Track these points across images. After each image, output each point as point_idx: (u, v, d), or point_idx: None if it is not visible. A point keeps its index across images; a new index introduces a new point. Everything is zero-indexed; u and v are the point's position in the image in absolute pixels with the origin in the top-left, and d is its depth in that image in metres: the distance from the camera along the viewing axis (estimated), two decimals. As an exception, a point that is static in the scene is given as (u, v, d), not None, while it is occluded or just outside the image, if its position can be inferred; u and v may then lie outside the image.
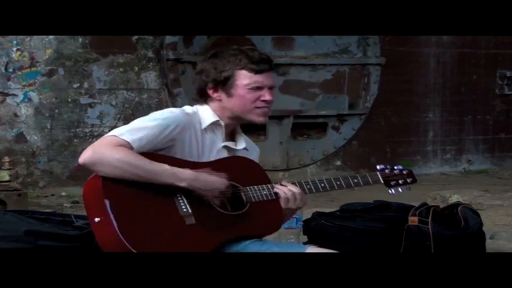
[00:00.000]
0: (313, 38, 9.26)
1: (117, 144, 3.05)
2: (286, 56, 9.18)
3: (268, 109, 3.33)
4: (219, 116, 3.30)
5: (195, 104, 3.36)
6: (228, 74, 3.27)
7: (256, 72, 3.27)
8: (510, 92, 10.50)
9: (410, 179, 3.57)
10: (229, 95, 3.28)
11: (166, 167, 3.07)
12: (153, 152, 3.12)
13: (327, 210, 4.60)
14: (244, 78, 3.27)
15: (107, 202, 2.98)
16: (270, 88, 3.31)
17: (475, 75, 10.28)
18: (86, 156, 3.04)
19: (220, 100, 3.30)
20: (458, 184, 8.96)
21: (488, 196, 7.57)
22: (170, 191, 3.08)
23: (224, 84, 3.27)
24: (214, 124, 3.30)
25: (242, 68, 3.27)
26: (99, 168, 3.03)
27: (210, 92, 3.30)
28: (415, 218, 4.27)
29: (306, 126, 9.40)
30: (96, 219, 3.00)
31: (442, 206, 4.68)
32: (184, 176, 3.08)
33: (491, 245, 4.80)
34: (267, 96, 3.30)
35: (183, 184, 3.08)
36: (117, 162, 3.01)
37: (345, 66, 9.56)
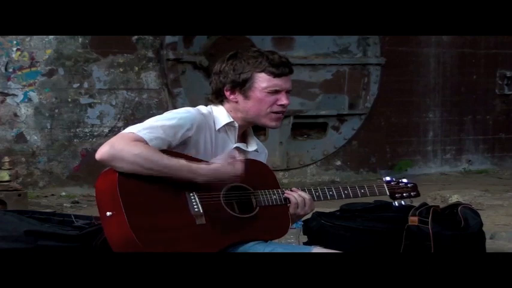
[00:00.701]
0: (313, 38, 9.26)
1: (135, 139, 3.05)
2: (286, 56, 9.16)
3: (283, 114, 3.34)
4: (233, 118, 3.31)
5: (209, 104, 3.36)
6: (247, 76, 3.26)
7: (275, 75, 3.28)
8: (510, 92, 10.50)
9: (414, 193, 3.67)
10: (246, 97, 3.28)
11: (183, 162, 3.07)
12: (169, 150, 3.13)
13: (327, 210, 4.60)
14: (263, 81, 3.27)
15: (120, 197, 2.98)
16: (287, 91, 3.32)
17: (475, 75, 10.28)
18: (103, 151, 3.03)
19: (236, 102, 3.30)
20: (458, 184, 8.96)
21: (488, 196, 7.58)
22: (184, 189, 3.09)
23: (242, 86, 3.27)
24: (228, 125, 3.31)
25: (261, 71, 3.27)
26: (117, 164, 3.02)
27: (227, 93, 3.30)
28: (415, 218, 4.27)
29: (306, 126, 9.40)
30: (108, 213, 3.00)
31: (442, 206, 4.68)
32: (203, 172, 3.09)
33: (491, 245, 4.80)
34: (283, 100, 3.30)
35: (201, 179, 3.08)
36: (136, 157, 3.00)
37: (345, 66, 9.56)
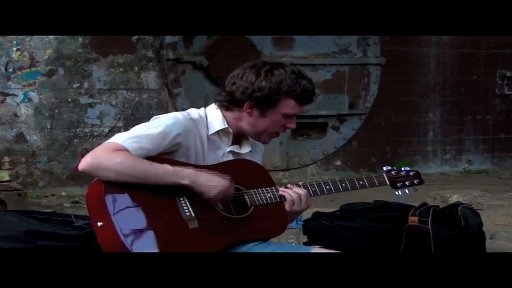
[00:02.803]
0: (313, 38, 9.26)
1: (118, 149, 3.03)
2: (286, 56, 9.17)
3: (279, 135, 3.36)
4: (228, 123, 3.27)
5: (213, 103, 3.32)
6: (277, 98, 3.21)
7: (301, 104, 3.25)
8: (510, 92, 10.50)
9: (417, 180, 3.55)
10: (263, 115, 3.24)
11: (167, 167, 3.04)
12: (159, 156, 3.10)
13: (327, 210, 4.61)
14: (288, 107, 3.23)
15: (108, 207, 2.97)
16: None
17: (475, 75, 10.28)
18: (86, 162, 3.03)
19: (250, 115, 3.24)
20: (458, 184, 8.96)
21: (488, 196, 7.57)
22: (173, 194, 3.07)
23: (267, 106, 3.22)
24: (222, 131, 3.27)
25: (292, 97, 3.22)
26: (100, 174, 3.02)
27: (247, 106, 3.23)
28: (415, 218, 4.27)
29: (306, 126, 9.40)
30: (99, 224, 2.99)
31: (442, 206, 4.68)
32: (185, 174, 3.05)
33: (491, 245, 4.80)
34: (293, 124, 3.29)
35: (185, 181, 3.05)
36: (118, 166, 2.99)
37: (345, 66, 9.57)
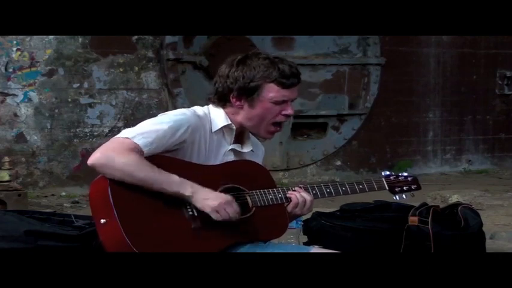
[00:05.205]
0: (313, 38, 9.25)
1: (128, 147, 3.03)
2: (286, 56, 9.15)
3: (282, 127, 3.34)
4: (231, 120, 3.27)
5: (209, 104, 3.33)
6: (256, 84, 3.22)
7: (285, 86, 3.24)
8: (510, 92, 10.50)
9: (415, 186, 3.60)
10: (252, 106, 3.24)
11: (173, 177, 3.04)
12: (161, 155, 3.10)
13: (327, 210, 4.60)
14: (271, 91, 3.23)
15: (113, 204, 2.97)
16: (292, 101, 3.30)
17: (475, 75, 10.28)
18: (95, 157, 3.03)
19: (241, 108, 3.26)
20: (458, 184, 8.96)
21: (488, 196, 7.57)
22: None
23: (250, 94, 3.23)
24: (226, 127, 3.28)
25: (271, 81, 3.23)
26: (106, 171, 3.02)
27: (233, 99, 3.25)
28: (415, 218, 4.27)
29: (306, 126, 9.40)
30: (102, 221, 2.99)
31: (442, 206, 4.68)
32: (189, 188, 3.05)
33: (491, 245, 4.80)
34: (289, 110, 3.28)
35: (187, 193, 3.05)
36: (125, 167, 2.99)
37: (345, 66, 9.57)
